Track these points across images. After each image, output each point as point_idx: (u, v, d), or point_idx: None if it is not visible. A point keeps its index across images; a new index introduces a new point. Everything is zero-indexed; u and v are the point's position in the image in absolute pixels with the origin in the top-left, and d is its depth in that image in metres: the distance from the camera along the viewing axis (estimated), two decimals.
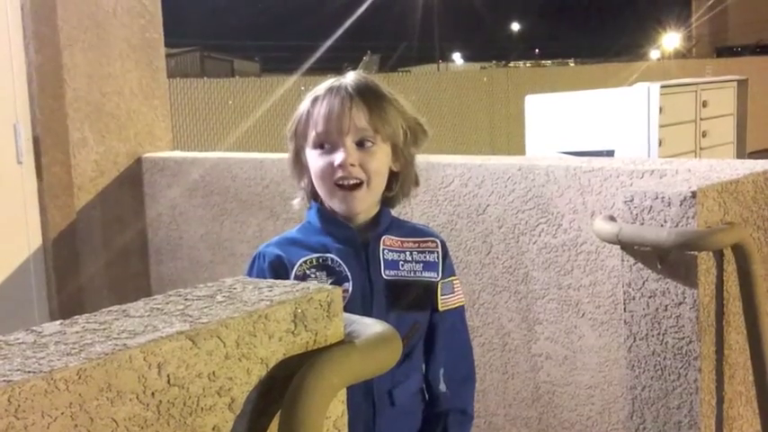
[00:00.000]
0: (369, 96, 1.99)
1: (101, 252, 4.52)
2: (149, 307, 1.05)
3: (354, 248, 1.98)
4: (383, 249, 2.00)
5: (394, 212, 2.12)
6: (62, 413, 0.84)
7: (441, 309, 2.05)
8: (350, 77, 2.02)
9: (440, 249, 2.06)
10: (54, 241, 4.37)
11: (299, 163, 2.05)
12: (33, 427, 0.82)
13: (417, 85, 18.64)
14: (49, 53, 4.28)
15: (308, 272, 1.95)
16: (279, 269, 1.97)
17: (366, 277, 1.97)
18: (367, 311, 1.93)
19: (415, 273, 2.01)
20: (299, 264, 1.96)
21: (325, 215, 2.02)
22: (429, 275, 2.03)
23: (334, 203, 1.98)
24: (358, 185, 1.96)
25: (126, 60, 4.52)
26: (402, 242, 2.03)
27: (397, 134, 2.02)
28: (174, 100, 14.72)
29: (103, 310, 1.04)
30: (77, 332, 0.96)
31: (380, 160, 1.99)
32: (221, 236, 4.14)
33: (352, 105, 1.95)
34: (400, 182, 2.07)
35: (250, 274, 2.00)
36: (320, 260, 1.97)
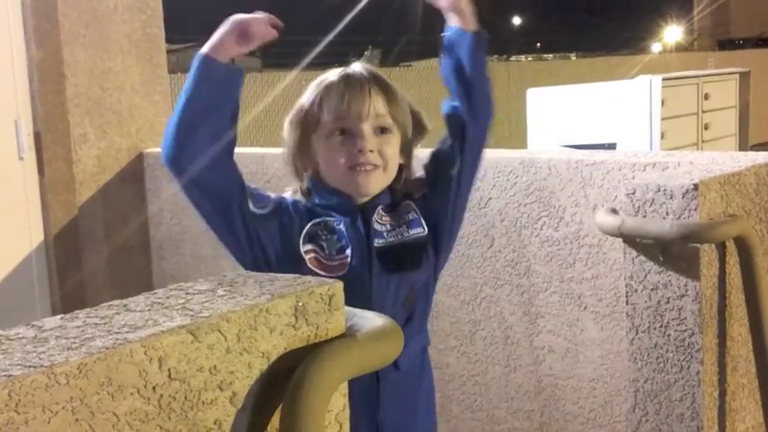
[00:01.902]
0: (384, 84, 2.00)
1: (103, 247, 4.52)
2: (150, 301, 1.05)
3: (352, 217, 1.98)
4: (374, 221, 2.00)
5: None
6: (63, 407, 0.83)
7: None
8: (359, 66, 2.02)
9: (414, 205, 2.07)
10: (56, 237, 4.37)
11: (305, 151, 2.03)
12: (34, 421, 0.81)
13: (419, 80, 18.64)
14: (50, 49, 4.27)
15: (320, 232, 1.97)
16: (300, 207, 2.00)
17: (365, 245, 1.97)
18: (366, 278, 1.95)
19: (402, 235, 2.01)
20: (311, 223, 1.97)
21: (326, 188, 2.02)
22: (416, 231, 2.03)
23: (347, 185, 1.98)
24: (374, 169, 1.96)
25: (127, 56, 4.51)
26: (389, 217, 2.04)
27: (408, 124, 2.04)
28: (176, 95, 14.70)
29: (104, 304, 1.04)
30: (78, 327, 0.95)
31: (395, 148, 2.01)
32: None
33: (371, 92, 1.96)
34: (405, 175, 2.08)
35: (268, 196, 2.02)
36: (331, 222, 1.98)
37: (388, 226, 2.01)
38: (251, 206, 1.94)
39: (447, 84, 2.08)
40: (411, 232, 2.02)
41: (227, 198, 1.91)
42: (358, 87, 1.95)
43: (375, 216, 2.00)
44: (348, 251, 1.94)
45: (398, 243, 2.00)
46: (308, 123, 2.00)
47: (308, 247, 1.95)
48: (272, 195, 2.03)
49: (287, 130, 2.05)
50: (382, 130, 1.97)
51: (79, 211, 4.40)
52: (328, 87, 1.98)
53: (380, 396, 1.96)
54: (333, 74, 2.01)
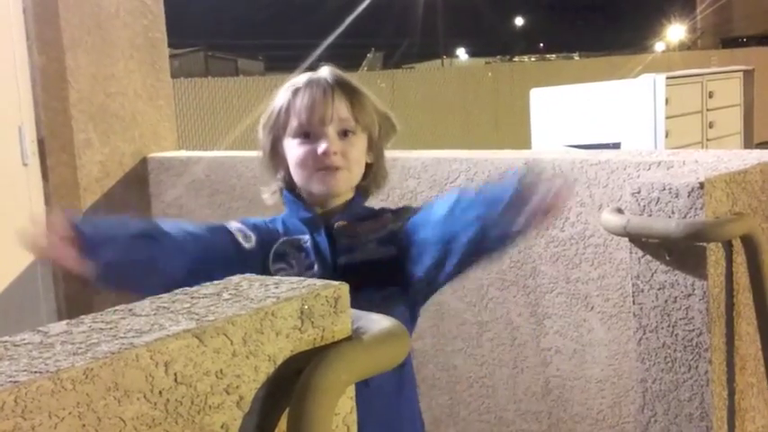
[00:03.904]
0: (348, 88, 2.07)
1: None
2: (155, 306, 1.04)
3: (319, 231, 2.02)
4: (338, 236, 2.02)
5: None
6: (69, 413, 0.83)
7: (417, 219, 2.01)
8: (326, 71, 2.09)
9: (389, 223, 2.06)
10: None
11: (276, 154, 2.10)
12: (41, 427, 0.81)
13: (422, 82, 18.65)
14: (53, 55, 4.27)
15: (288, 250, 2.02)
16: (261, 229, 2.06)
17: (329, 261, 1.99)
18: None
19: (370, 252, 2.02)
20: (280, 242, 2.03)
21: (294, 201, 2.08)
22: (385, 250, 2.02)
23: (313, 185, 2.03)
24: (338, 170, 2.02)
25: (129, 61, 4.51)
26: (356, 228, 2.04)
27: (374, 126, 2.09)
28: (179, 100, 14.75)
29: (109, 309, 1.03)
30: (84, 332, 0.95)
31: (359, 149, 2.06)
32: None
33: (334, 96, 2.02)
34: (373, 173, 2.13)
35: (252, 226, 2.07)
36: (299, 242, 2.02)
37: (360, 237, 2.03)
38: (243, 244, 2.02)
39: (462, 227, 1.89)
40: (380, 249, 2.03)
41: (210, 260, 1.94)
42: (321, 92, 2.02)
43: (336, 230, 2.03)
44: (315, 268, 1.99)
45: (361, 261, 2.01)
46: (277, 127, 2.08)
47: (279, 265, 2.01)
48: (252, 225, 2.09)
49: (260, 133, 2.14)
50: (345, 133, 2.03)
51: (83, 217, 4.40)
52: (294, 93, 2.05)
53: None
54: (300, 78, 2.08)
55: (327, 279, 1.92)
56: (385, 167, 2.18)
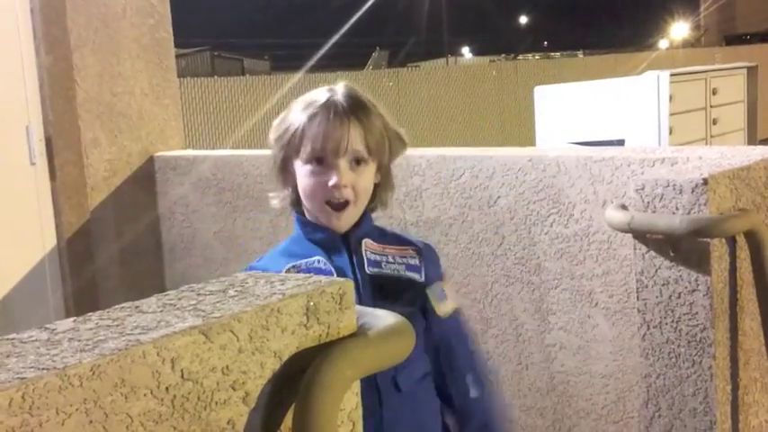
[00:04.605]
0: (363, 115, 2.03)
1: (115, 251, 4.53)
2: (162, 303, 1.05)
3: (337, 248, 2.04)
4: (366, 250, 2.05)
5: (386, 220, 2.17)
6: (76, 409, 0.84)
7: (441, 314, 2.08)
8: (341, 92, 2.05)
9: (420, 256, 2.10)
10: (68, 241, 4.38)
11: (286, 171, 2.10)
12: (48, 423, 0.82)
13: (427, 80, 18.65)
14: (60, 54, 4.29)
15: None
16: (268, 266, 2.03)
17: (351, 272, 2.01)
18: None
19: (398, 271, 2.06)
20: (285, 269, 2.00)
21: (307, 223, 2.08)
22: (412, 275, 2.07)
23: (321, 219, 2.05)
24: (346, 204, 2.02)
25: (136, 60, 4.52)
26: (384, 247, 2.08)
27: (385, 152, 2.09)
28: (186, 99, 14.77)
29: (116, 306, 1.04)
30: (91, 329, 0.96)
31: (368, 179, 2.06)
32: (234, 233, 4.15)
33: (349, 127, 2.00)
34: (379, 192, 2.14)
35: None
36: (306, 264, 2.02)
37: (389, 257, 2.06)
38: None
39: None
40: (408, 273, 2.07)
41: None
42: (338, 122, 2.00)
43: (364, 247, 2.05)
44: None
45: (392, 276, 2.05)
46: (289, 146, 2.06)
47: None
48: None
49: (272, 145, 2.12)
50: (358, 162, 2.02)
51: (91, 215, 4.41)
52: (311, 118, 2.02)
53: (383, 419, 1.97)
54: (318, 98, 2.05)
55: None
56: (392, 183, 2.18)
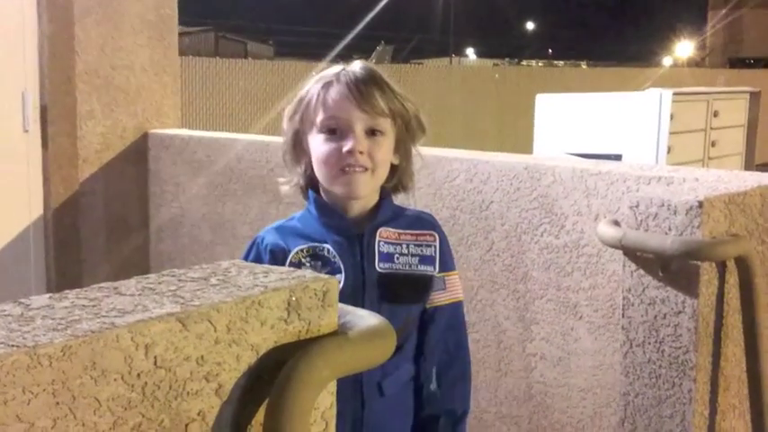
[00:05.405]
0: (380, 86, 1.98)
1: (102, 225, 4.51)
2: (141, 286, 1.03)
3: (349, 240, 1.98)
4: (379, 241, 1.98)
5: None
6: (44, 389, 0.82)
7: (428, 306, 2.04)
8: (358, 65, 2.01)
9: (437, 243, 2.04)
10: (55, 212, 4.36)
11: (299, 146, 2.04)
12: (13, 402, 0.80)
13: (429, 78, 18.63)
14: (62, 23, 4.26)
15: (303, 260, 1.95)
16: (277, 255, 1.97)
17: (359, 269, 1.96)
18: (358, 304, 1.91)
19: (410, 266, 2.00)
20: (294, 252, 1.96)
21: (323, 205, 2.02)
22: (425, 269, 2.01)
23: (336, 187, 1.97)
24: (363, 171, 1.95)
25: (138, 35, 4.50)
26: (399, 234, 2.01)
27: (402, 126, 2.02)
28: (186, 78, 14.73)
29: (94, 286, 1.02)
30: (66, 307, 0.94)
31: (386, 150, 1.99)
32: (223, 217, 4.13)
33: (366, 93, 1.94)
34: (398, 175, 2.07)
35: (248, 255, 2.00)
36: (316, 249, 1.96)
37: (403, 247, 2.00)
38: None
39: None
40: (420, 268, 2.01)
41: None
42: (354, 88, 1.95)
43: (378, 237, 1.99)
44: (340, 276, 1.92)
45: (402, 274, 1.99)
46: (304, 119, 2.01)
47: None
48: (252, 253, 2.03)
49: (285, 122, 2.06)
50: (373, 132, 1.96)
51: (80, 188, 4.39)
52: (326, 86, 1.98)
53: (364, 423, 1.95)
54: (331, 71, 2.01)
55: (355, 288, 1.92)
56: (411, 169, 2.11)
